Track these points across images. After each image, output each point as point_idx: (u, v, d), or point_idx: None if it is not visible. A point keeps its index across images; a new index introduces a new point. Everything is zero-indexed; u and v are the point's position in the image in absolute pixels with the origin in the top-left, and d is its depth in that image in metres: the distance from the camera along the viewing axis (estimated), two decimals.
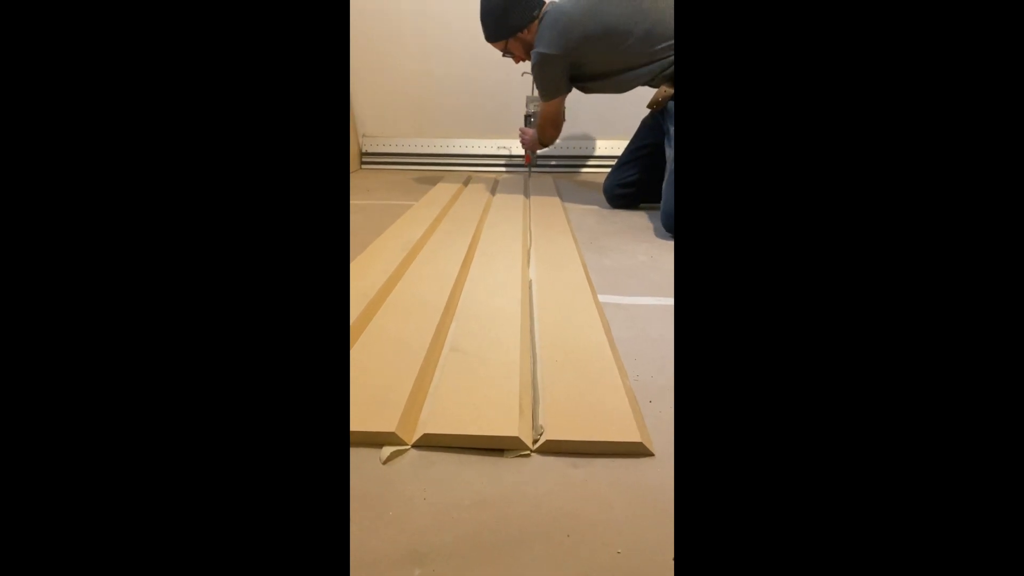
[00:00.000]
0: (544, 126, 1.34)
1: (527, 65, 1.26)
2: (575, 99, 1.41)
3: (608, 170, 1.35)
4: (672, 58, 1.11)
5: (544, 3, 1.19)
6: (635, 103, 1.37)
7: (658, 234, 1.06)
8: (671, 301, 0.72)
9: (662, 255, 0.93)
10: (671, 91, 1.13)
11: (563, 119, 1.31)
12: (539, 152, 1.63)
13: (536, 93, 1.29)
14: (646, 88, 1.20)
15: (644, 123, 1.31)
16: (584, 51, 1.12)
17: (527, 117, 1.45)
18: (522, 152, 1.58)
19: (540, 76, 1.18)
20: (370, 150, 1.88)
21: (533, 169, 1.70)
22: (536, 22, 1.18)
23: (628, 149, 1.32)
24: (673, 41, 1.10)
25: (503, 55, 1.27)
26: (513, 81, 1.83)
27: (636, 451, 0.41)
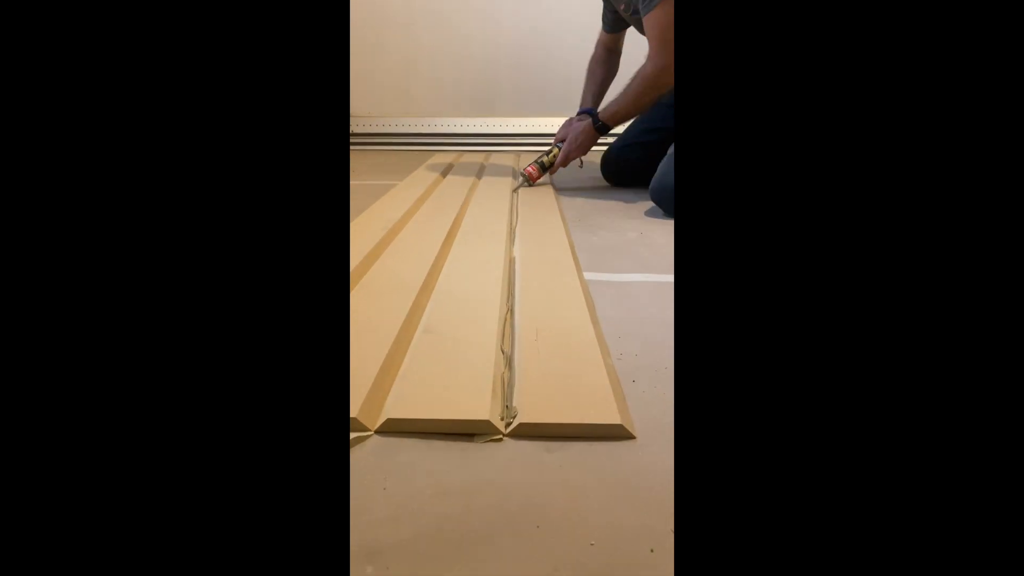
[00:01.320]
0: (665, 54, 0.99)
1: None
2: (578, 74, 1.35)
3: (602, 150, 1.29)
4: None
5: None
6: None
7: (648, 212, 1.02)
8: (660, 278, 0.69)
9: (652, 232, 0.89)
10: None
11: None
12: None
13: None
14: None
15: (661, 102, 1.16)
16: None
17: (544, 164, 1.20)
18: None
19: None
20: (356, 130, 1.83)
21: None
22: None
23: (635, 129, 1.23)
24: None
25: None
26: (500, 58, 1.78)
27: (616, 434, 0.38)
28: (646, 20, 1.03)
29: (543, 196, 1.13)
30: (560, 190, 1.21)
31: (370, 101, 1.83)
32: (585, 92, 1.29)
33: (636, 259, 0.76)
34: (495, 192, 1.14)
